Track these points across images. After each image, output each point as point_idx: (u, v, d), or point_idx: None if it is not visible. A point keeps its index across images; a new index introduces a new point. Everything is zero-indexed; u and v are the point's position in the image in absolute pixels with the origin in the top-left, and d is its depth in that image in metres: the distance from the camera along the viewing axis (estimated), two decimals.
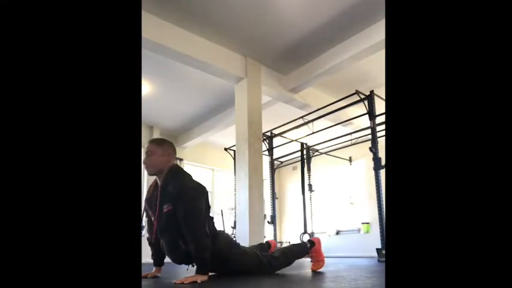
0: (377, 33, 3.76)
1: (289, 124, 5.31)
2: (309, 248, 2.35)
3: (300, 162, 5.83)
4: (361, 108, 4.35)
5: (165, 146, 2.00)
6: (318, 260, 2.39)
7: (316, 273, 2.23)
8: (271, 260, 2.21)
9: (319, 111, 4.91)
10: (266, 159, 5.38)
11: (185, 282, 1.71)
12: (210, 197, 2.09)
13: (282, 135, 5.58)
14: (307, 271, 2.55)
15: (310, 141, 5.95)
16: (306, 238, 5.77)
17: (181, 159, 7.29)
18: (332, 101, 4.78)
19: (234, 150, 4.86)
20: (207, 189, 2.04)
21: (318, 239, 2.41)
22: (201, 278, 1.77)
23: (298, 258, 2.40)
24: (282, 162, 6.89)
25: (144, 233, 2.82)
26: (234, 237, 5.43)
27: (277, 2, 3.49)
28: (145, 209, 2.15)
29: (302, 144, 5.82)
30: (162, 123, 6.64)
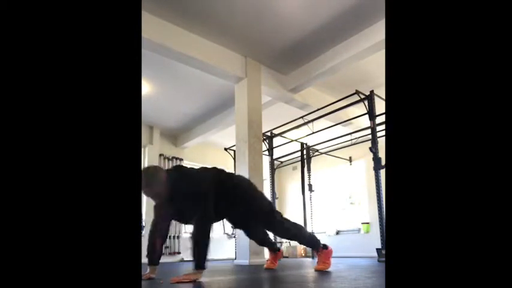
0: (377, 33, 3.76)
1: (289, 124, 5.31)
2: (320, 245, 2.43)
3: (300, 162, 5.83)
4: (361, 108, 4.35)
5: (159, 179, 1.94)
6: (324, 261, 2.43)
7: (316, 273, 2.23)
8: (282, 217, 2.35)
9: (319, 111, 4.91)
10: (266, 159, 5.38)
11: (183, 280, 1.76)
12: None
13: (282, 135, 5.58)
14: (308, 271, 2.55)
15: (310, 141, 5.95)
16: None
17: (181, 159, 7.30)
18: (332, 101, 4.78)
19: (234, 150, 4.85)
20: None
21: (331, 249, 2.49)
22: (198, 276, 1.84)
23: (305, 241, 2.50)
24: (282, 162, 6.89)
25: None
26: (234, 236, 5.44)
27: (277, 2, 3.50)
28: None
29: (302, 144, 5.82)
30: (162, 123, 6.64)
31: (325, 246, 2.44)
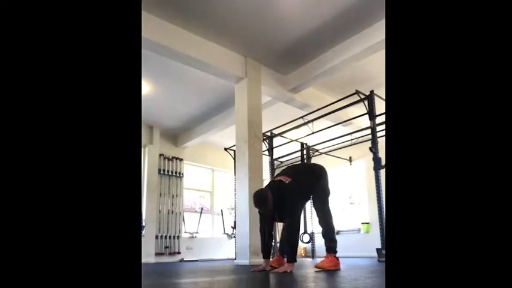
0: (377, 33, 3.76)
1: (289, 124, 5.31)
2: (335, 250, 2.64)
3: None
4: (361, 108, 4.34)
5: (268, 199, 2.53)
6: (327, 263, 2.49)
7: (317, 273, 2.23)
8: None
9: (319, 111, 4.91)
10: (266, 159, 5.38)
11: (279, 271, 2.32)
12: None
13: (282, 135, 5.58)
14: (308, 271, 2.56)
15: (310, 141, 5.95)
16: (306, 238, 5.78)
17: (181, 159, 7.30)
18: (332, 101, 4.78)
19: (234, 150, 4.86)
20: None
21: (339, 264, 2.66)
22: (290, 268, 2.39)
23: (328, 236, 2.69)
24: (282, 162, 6.88)
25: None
26: (234, 237, 5.44)
27: (277, 2, 3.49)
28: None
29: (302, 144, 5.82)
30: (162, 123, 6.64)
31: (337, 257, 2.61)
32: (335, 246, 2.65)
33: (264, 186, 2.81)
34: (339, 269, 2.51)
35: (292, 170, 2.99)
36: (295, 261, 2.46)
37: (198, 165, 7.81)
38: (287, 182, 2.65)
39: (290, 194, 2.57)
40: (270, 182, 2.86)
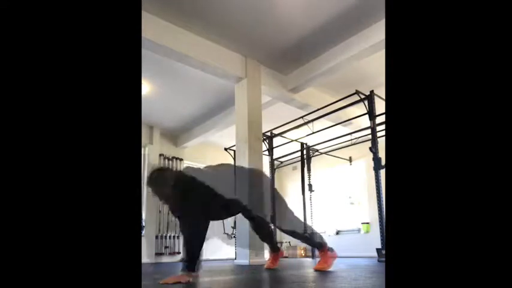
0: (377, 33, 3.76)
1: (289, 124, 5.30)
2: (326, 245, 2.46)
3: (300, 162, 5.82)
4: (361, 108, 4.34)
5: (167, 183, 2.00)
6: (325, 262, 2.43)
7: (316, 273, 2.23)
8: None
9: (319, 111, 4.90)
10: (266, 159, 5.37)
11: (169, 282, 1.78)
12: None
13: (282, 135, 5.57)
14: (308, 271, 2.56)
15: (310, 141, 5.95)
16: None
17: (181, 159, 7.30)
18: (332, 101, 4.78)
19: (234, 150, 4.86)
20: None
21: (336, 254, 2.50)
22: (185, 278, 1.85)
23: (311, 241, 2.57)
24: (282, 162, 6.88)
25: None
26: (234, 237, 5.43)
27: (277, 2, 3.50)
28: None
29: (302, 144, 5.81)
30: (162, 123, 6.64)
31: (331, 249, 2.48)
32: (321, 242, 2.47)
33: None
34: (337, 257, 2.48)
35: (219, 166, 2.43)
36: (194, 270, 1.90)
37: (198, 165, 7.80)
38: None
39: (200, 188, 2.01)
40: (183, 169, 2.31)
